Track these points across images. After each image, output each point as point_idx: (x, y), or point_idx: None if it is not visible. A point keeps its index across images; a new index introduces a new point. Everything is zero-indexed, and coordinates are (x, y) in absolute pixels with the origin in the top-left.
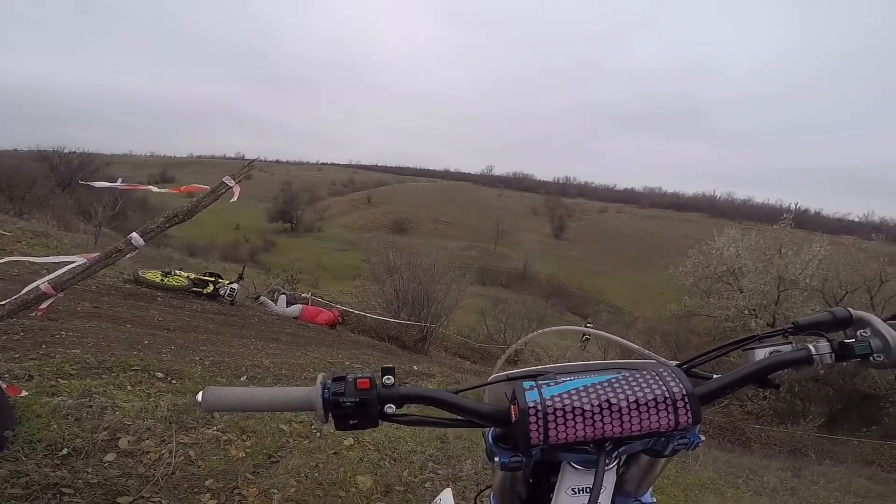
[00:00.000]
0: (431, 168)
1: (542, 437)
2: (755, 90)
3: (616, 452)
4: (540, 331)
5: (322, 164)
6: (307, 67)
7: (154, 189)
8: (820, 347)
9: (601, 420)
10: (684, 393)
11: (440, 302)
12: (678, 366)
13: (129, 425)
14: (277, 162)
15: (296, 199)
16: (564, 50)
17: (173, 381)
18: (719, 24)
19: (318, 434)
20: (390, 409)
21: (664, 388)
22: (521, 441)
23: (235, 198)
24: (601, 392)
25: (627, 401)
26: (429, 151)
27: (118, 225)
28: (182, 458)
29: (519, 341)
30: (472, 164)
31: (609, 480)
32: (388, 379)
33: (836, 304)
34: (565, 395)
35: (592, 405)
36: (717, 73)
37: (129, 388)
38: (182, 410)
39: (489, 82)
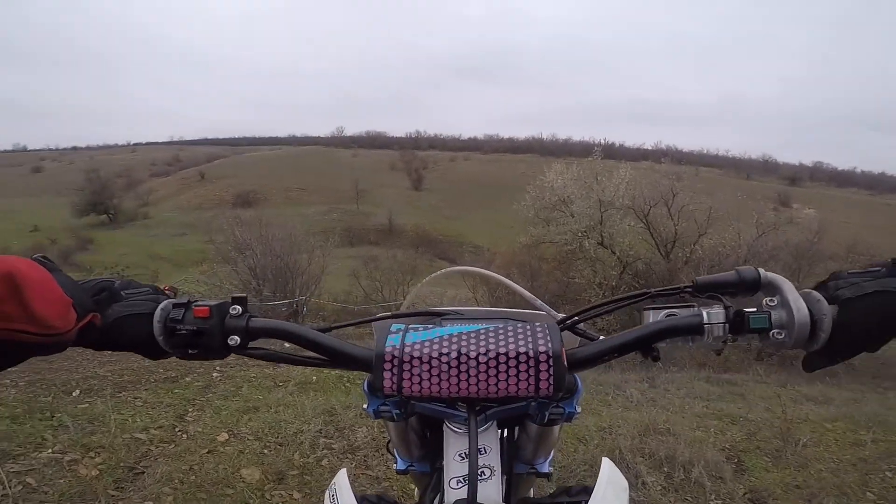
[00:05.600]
0: (274, 135)
1: (395, 386)
2: (561, 33)
3: (485, 415)
4: (440, 272)
5: (135, 144)
6: (101, 38)
7: None
8: (713, 315)
9: (457, 376)
10: (549, 354)
11: (306, 271)
12: (561, 321)
13: None
14: (75, 149)
15: (108, 187)
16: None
17: None
18: None
19: (185, 436)
20: (234, 341)
21: (530, 345)
22: (378, 390)
23: None
24: (464, 344)
25: (487, 357)
26: (267, 119)
27: None
28: (20, 487)
29: (426, 279)
30: (321, 128)
31: (492, 445)
32: (235, 309)
33: (645, 218)
34: (426, 344)
35: (450, 358)
36: (531, 18)
37: None
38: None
39: (322, 41)
